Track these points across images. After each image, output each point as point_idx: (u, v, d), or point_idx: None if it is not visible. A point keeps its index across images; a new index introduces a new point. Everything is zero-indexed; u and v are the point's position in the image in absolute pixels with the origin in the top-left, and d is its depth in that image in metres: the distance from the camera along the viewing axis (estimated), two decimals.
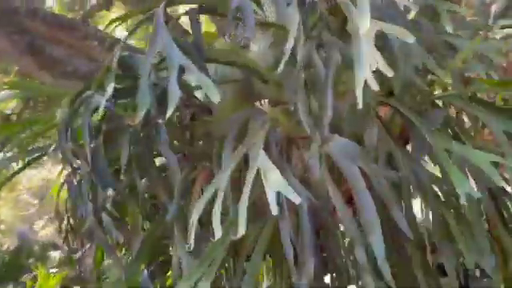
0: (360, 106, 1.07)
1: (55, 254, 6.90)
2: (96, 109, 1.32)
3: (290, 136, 1.44)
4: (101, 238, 1.39)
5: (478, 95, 1.80)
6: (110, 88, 1.29)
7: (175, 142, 1.73)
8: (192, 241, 1.09)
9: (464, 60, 1.67)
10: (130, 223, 1.45)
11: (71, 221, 1.85)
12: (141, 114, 1.27)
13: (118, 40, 4.66)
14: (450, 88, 1.84)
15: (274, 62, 1.63)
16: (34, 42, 3.36)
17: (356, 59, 1.10)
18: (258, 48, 1.74)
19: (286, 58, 1.33)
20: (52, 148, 1.70)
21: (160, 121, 1.32)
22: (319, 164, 1.23)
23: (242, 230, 1.01)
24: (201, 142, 1.73)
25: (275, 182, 1.02)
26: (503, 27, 2.27)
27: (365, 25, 1.04)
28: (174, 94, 1.27)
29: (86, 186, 1.38)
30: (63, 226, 1.86)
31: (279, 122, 1.38)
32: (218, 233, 1.03)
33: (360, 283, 1.23)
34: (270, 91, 1.69)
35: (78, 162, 1.42)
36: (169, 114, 1.25)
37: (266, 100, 1.37)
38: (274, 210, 1.00)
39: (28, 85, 1.61)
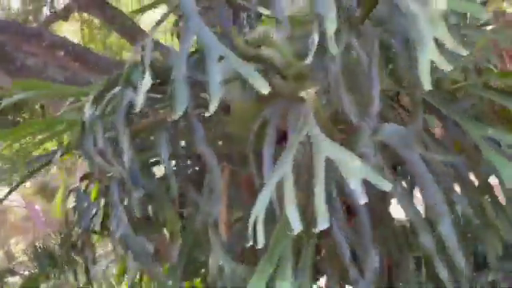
0: (429, 87, 1.03)
1: (13, 280, 6.52)
2: (131, 105, 1.22)
3: (325, 127, 1.39)
4: (137, 245, 1.28)
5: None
6: (146, 82, 1.19)
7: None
8: (262, 239, 1.01)
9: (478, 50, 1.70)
10: (168, 229, 1.34)
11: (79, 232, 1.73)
12: (180, 109, 1.19)
13: (86, 49, 4.49)
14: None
15: (294, 55, 1.59)
16: (2, 50, 3.15)
17: (419, 41, 1.07)
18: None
19: (313, 49, 1.29)
20: (59, 153, 1.58)
21: (201, 115, 1.23)
22: (374, 153, 1.18)
23: (324, 222, 0.95)
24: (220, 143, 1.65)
25: (358, 169, 0.96)
26: (481, 26, 2.35)
27: (442, 2, 1.00)
28: (217, 88, 1.19)
29: (119, 190, 1.27)
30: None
31: (319, 113, 1.32)
32: (298, 225, 0.96)
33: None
34: (289, 87, 1.64)
35: (101, 162, 1.31)
36: (212, 109, 1.17)
37: (312, 89, 1.32)
38: (362, 198, 0.93)
39: (41, 85, 1.48)
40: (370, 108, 1.24)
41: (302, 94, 1.28)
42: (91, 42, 5.85)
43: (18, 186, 1.66)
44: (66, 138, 1.64)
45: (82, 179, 1.71)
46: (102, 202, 1.70)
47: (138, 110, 1.16)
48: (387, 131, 1.21)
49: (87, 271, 1.74)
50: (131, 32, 4.26)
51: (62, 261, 6.01)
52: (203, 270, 1.65)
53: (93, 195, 1.72)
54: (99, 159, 1.27)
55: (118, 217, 1.29)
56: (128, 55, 5.89)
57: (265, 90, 1.19)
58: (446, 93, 1.56)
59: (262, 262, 1.07)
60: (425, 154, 1.18)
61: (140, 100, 1.17)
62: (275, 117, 1.37)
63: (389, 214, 1.24)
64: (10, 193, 1.65)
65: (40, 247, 6.56)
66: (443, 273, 1.10)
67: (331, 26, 1.25)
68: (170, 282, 1.36)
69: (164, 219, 1.52)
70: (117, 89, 1.29)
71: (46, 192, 7.13)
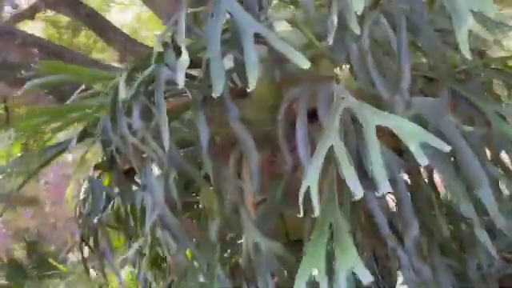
0: (468, 56, 1.07)
1: None
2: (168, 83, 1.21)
3: None
4: (175, 225, 1.27)
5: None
6: (184, 60, 1.18)
7: None
8: (318, 207, 1.02)
9: None
10: (208, 207, 1.33)
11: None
12: (219, 86, 1.19)
13: (61, 47, 4.38)
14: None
15: (309, 38, 1.61)
16: None
17: (454, 12, 1.10)
18: (286, 27, 1.70)
19: (333, 30, 1.31)
20: (74, 140, 1.54)
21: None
22: None
23: (385, 186, 0.97)
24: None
25: (416, 133, 0.99)
26: None
27: None
28: (255, 66, 1.20)
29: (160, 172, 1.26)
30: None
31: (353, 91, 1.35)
32: (359, 190, 0.98)
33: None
34: (304, 70, 1.66)
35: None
36: (251, 87, 1.18)
37: (347, 66, 1.34)
38: (424, 161, 0.96)
39: (72, 68, 1.43)
40: (401, 83, 1.28)
41: (337, 72, 1.30)
42: (57, 41, 5.69)
43: (30, 176, 1.60)
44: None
45: (95, 168, 1.67)
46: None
47: (180, 87, 1.15)
48: (420, 104, 1.25)
49: (102, 266, 1.70)
50: (106, 31, 4.19)
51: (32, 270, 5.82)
52: (225, 255, 1.65)
53: (106, 183, 1.69)
54: (134, 139, 1.26)
55: (154, 197, 1.27)
56: (99, 55, 5.78)
57: (306, 65, 1.20)
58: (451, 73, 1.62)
59: (315, 232, 1.08)
60: (458, 125, 1.22)
61: (181, 77, 1.16)
62: (304, 96, 1.38)
63: (420, 183, 1.28)
64: (22, 185, 1.60)
65: (5, 257, 6.32)
66: (486, 240, 1.15)
67: (359, 4, 1.27)
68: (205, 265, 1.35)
69: (184, 205, 1.51)
70: (149, 68, 1.28)
71: (8, 200, 6.85)
